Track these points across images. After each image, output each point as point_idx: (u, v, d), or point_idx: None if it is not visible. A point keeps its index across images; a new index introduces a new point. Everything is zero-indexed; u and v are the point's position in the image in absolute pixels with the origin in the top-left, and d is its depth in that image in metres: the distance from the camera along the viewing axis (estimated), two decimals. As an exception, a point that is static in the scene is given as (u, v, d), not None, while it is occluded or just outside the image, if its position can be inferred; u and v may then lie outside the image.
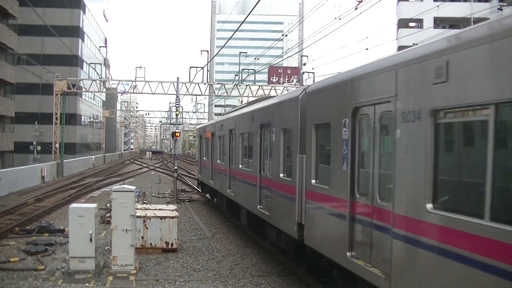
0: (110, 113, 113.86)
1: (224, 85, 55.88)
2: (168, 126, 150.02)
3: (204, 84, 53.07)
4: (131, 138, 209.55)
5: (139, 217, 15.89)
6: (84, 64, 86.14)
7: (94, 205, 14.33)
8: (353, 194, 9.37)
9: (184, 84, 50.21)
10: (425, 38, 7.18)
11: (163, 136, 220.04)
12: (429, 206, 6.87)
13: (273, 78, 62.66)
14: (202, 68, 50.31)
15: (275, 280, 13.83)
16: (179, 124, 38.37)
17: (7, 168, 46.22)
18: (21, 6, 59.32)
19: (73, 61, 79.82)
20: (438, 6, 51.14)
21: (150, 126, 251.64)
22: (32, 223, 21.55)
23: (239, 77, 52.78)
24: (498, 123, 5.81)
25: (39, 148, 61.98)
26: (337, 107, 10.19)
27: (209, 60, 47.69)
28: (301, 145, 12.22)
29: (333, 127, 10.29)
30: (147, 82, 52.66)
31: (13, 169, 41.88)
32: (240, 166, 19.45)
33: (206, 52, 50.34)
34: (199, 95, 55.79)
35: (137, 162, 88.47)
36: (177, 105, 37.30)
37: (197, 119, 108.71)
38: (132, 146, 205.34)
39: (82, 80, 64.68)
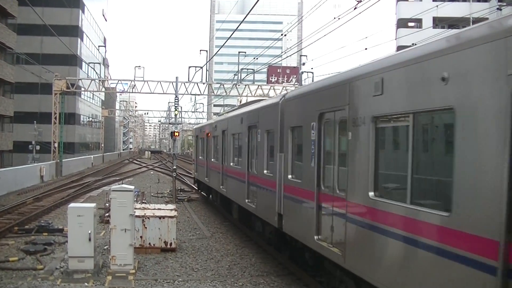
0: (109, 112, 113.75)
1: (223, 85, 55.85)
2: (167, 125, 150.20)
3: (203, 83, 53.05)
4: (130, 138, 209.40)
5: (138, 216, 15.90)
6: (83, 63, 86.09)
7: (93, 204, 14.33)
8: (319, 186, 11.07)
9: (183, 83, 50.23)
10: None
11: (162, 136, 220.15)
12: (371, 194, 8.55)
13: (272, 78, 62.68)
14: (201, 67, 50.34)
15: (274, 279, 13.84)
16: (178, 124, 38.37)
17: (6, 167, 46.18)
18: (20, 5, 59.27)
19: (72, 60, 79.80)
20: (437, 6, 51.18)
21: (149, 125, 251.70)
22: (31, 222, 21.57)
23: (238, 77, 52.74)
24: (415, 128, 7.50)
25: (38, 147, 61.88)
26: (307, 112, 11.87)
27: (208, 60, 47.72)
28: (281, 144, 13.84)
29: (304, 129, 11.97)
30: (146, 82, 52.65)
31: (12, 168, 41.83)
32: (231, 164, 20.96)
33: (205, 51, 50.36)
34: (198, 94, 55.79)
35: (136, 162, 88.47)
36: (176, 105, 37.29)
37: (196, 118, 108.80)
38: (131, 146, 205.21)
39: (81, 79, 64.71)
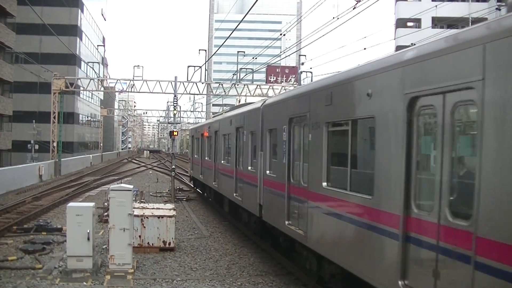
0: (108, 112, 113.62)
1: (222, 84, 55.88)
2: (165, 125, 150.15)
3: (202, 83, 53.02)
4: (128, 137, 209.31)
5: (137, 216, 15.91)
6: (82, 63, 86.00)
7: (91, 204, 14.34)
8: (289, 180, 13.20)
9: (182, 83, 50.21)
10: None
11: (161, 135, 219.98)
12: (324, 184, 10.66)
13: (271, 78, 62.77)
14: (200, 67, 50.31)
15: (272, 279, 13.86)
16: (177, 123, 38.37)
17: (5, 166, 46.16)
18: (19, 4, 59.17)
19: (71, 60, 79.75)
20: (436, 6, 51.11)
21: (148, 125, 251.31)
22: (29, 221, 21.56)
23: (237, 77, 52.72)
24: (352, 132, 9.63)
25: (37, 146, 61.83)
26: (281, 117, 13.96)
27: (207, 59, 47.79)
28: (261, 144, 15.91)
29: (278, 131, 14.19)
30: (145, 81, 52.64)
31: (11, 167, 41.82)
32: (222, 161, 23.06)
33: (204, 51, 50.38)
34: (197, 94, 55.76)
35: (135, 161, 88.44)
36: (175, 104, 37.29)
37: (195, 118, 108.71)
38: (129, 145, 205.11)
39: (80, 79, 64.59)
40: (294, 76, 62.07)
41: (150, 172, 57.70)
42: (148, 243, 16.50)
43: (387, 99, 8.18)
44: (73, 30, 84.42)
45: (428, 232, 7.02)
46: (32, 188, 36.82)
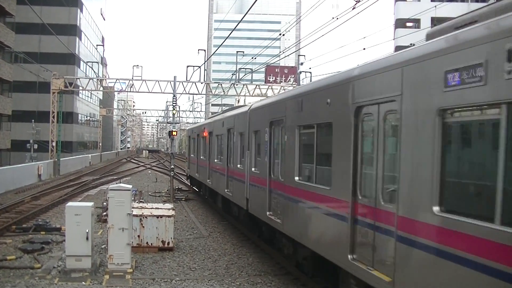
0: (107, 111, 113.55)
1: (221, 84, 55.87)
2: (164, 125, 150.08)
3: (201, 83, 53.04)
4: (128, 137, 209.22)
5: (136, 216, 15.92)
6: (81, 62, 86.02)
7: (90, 203, 14.34)
8: (270, 175, 14.76)
9: (181, 83, 50.18)
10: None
11: (160, 135, 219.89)
12: (296, 178, 12.34)
13: (270, 78, 62.71)
14: (199, 67, 50.31)
15: (271, 279, 13.87)
16: (176, 123, 38.37)
17: (4, 166, 46.13)
18: (18, 4, 59.11)
19: (70, 59, 79.72)
20: (435, 6, 51.20)
21: (147, 125, 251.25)
22: (28, 221, 21.55)
23: (236, 76, 52.72)
24: (317, 135, 11.26)
25: (36, 146, 61.76)
26: (263, 120, 15.64)
27: (206, 59, 47.78)
28: (248, 144, 17.50)
29: (261, 133, 15.82)
30: (144, 81, 52.62)
31: (10, 167, 41.78)
32: (215, 160, 24.55)
33: (203, 51, 50.47)
34: (196, 94, 55.75)
35: (134, 161, 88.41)
36: (174, 104, 37.29)
37: (194, 118, 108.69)
38: (128, 145, 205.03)
39: (79, 78, 64.53)
40: (293, 76, 62.04)
41: (149, 172, 57.71)
42: (147, 243, 16.51)
43: (341, 107, 9.84)
44: (72, 30, 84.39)
45: (368, 215, 8.68)
46: (31, 188, 36.80)
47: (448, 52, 6.69)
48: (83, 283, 12.62)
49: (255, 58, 43.02)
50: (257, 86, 55.03)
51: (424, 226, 6.97)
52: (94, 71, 74.06)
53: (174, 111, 37.36)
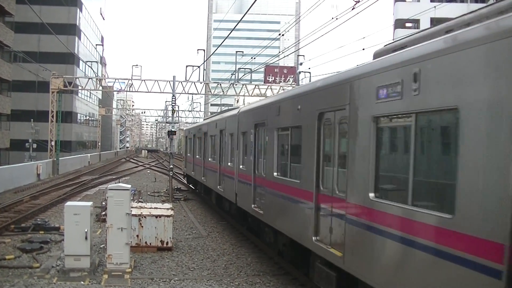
0: (106, 111, 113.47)
1: (220, 84, 55.83)
2: (164, 124, 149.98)
3: (201, 83, 53.00)
4: (127, 137, 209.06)
5: (135, 215, 15.93)
6: (81, 62, 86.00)
7: (89, 203, 14.34)
8: (254, 172, 16.47)
9: (180, 82, 50.12)
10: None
11: (159, 135, 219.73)
12: (275, 173, 14.12)
13: (269, 78, 62.64)
14: (199, 67, 50.25)
15: (270, 279, 13.88)
16: (175, 123, 38.37)
17: (3, 165, 46.09)
18: (18, 3, 59.15)
19: (70, 59, 79.71)
20: (435, 6, 51.21)
21: (146, 124, 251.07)
22: (27, 220, 21.55)
23: (235, 76, 52.70)
24: (291, 136, 13.04)
25: (35, 145, 61.73)
26: (249, 122, 17.46)
27: (205, 59, 47.75)
28: (237, 144, 19.34)
29: (248, 133, 17.63)
30: (143, 81, 52.56)
31: (9, 166, 41.75)
32: (210, 159, 26.38)
33: (203, 51, 50.40)
34: (195, 94, 55.70)
35: (133, 161, 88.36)
36: (173, 104, 37.28)
37: (193, 118, 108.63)
38: (127, 145, 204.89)
39: (78, 78, 64.44)
40: (292, 76, 62.02)
41: (148, 171, 57.74)
42: (146, 242, 16.52)
43: (308, 113, 11.51)
44: (72, 29, 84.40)
45: (327, 203, 10.38)
46: (30, 187, 36.79)
47: (379, 72, 8.41)
48: (82, 282, 12.62)
49: (254, 58, 43.02)
50: (256, 86, 54.98)
51: (364, 209, 8.63)
52: (93, 71, 74.11)
53: (174, 111, 37.34)
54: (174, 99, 37.26)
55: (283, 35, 36.10)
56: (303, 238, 11.67)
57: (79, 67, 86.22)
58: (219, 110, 66.13)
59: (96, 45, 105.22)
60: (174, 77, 38.98)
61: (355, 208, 8.97)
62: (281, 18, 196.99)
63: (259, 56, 40.91)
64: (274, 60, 54.07)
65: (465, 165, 6.25)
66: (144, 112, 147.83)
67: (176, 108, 39.56)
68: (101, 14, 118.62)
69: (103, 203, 21.67)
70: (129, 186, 14.82)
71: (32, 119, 65.41)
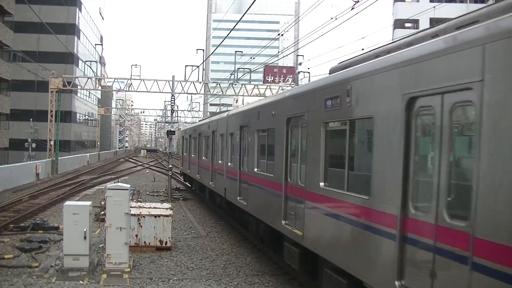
0: (105, 111, 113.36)
1: (219, 84, 55.84)
2: (163, 124, 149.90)
3: (200, 82, 53.03)
4: (126, 136, 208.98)
5: (134, 215, 15.93)
6: (80, 61, 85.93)
7: (88, 202, 14.34)
8: (240, 168, 18.27)
9: (179, 82, 50.13)
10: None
11: (158, 135, 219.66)
12: (256, 169, 16.00)
13: (268, 78, 62.68)
14: (198, 67, 50.24)
15: (269, 279, 13.89)
16: (174, 123, 38.37)
17: (2, 165, 46.04)
18: (17, 3, 59.15)
19: (69, 58, 79.67)
20: (434, 7, 51.16)
21: (145, 124, 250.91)
22: (26, 220, 21.55)
23: (234, 76, 52.71)
24: (268, 137, 14.91)
25: (34, 145, 61.72)
26: (236, 125, 19.36)
27: (204, 59, 47.71)
28: (226, 144, 21.28)
29: (235, 134, 19.48)
30: (142, 80, 52.57)
31: (8, 166, 41.72)
32: (203, 158, 28.32)
33: (202, 51, 50.32)
34: (195, 93, 55.71)
35: (132, 160, 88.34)
36: (172, 104, 37.28)
37: (192, 117, 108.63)
38: (127, 144, 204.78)
39: (77, 77, 64.49)
40: (291, 76, 62.05)
41: (147, 171, 57.73)
42: (145, 242, 16.52)
43: (279, 118, 13.51)
44: (71, 29, 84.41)
45: (293, 192, 12.37)
46: (29, 187, 36.78)
47: (326, 87, 10.53)
48: (81, 282, 12.62)
49: (253, 58, 43.01)
50: (256, 86, 55.01)
51: (317, 195, 10.60)
52: (92, 70, 73.91)
53: (173, 110, 37.35)
54: (173, 99, 37.26)
55: (282, 35, 36.18)
56: (276, 223, 13.56)
57: (78, 66, 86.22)
58: (218, 110, 66.08)
59: (95, 44, 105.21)
60: (173, 76, 38.99)
61: (311, 195, 10.98)
62: (280, 18, 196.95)
63: (258, 56, 40.91)
64: (273, 60, 54.00)
65: (376, 161, 8.28)
66: (143, 112, 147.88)
67: (175, 108, 39.43)
68: (100, 13, 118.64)
69: (102, 202, 21.68)
70: (128, 185, 14.83)
71: (31, 119, 65.40)
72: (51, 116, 54.00)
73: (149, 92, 53.08)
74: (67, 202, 15.33)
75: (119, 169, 61.43)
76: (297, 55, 56.13)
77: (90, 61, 79.03)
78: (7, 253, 15.48)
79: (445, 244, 6.45)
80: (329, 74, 11.76)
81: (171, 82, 39.77)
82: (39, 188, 35.33)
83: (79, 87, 62.09)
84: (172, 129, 33.95)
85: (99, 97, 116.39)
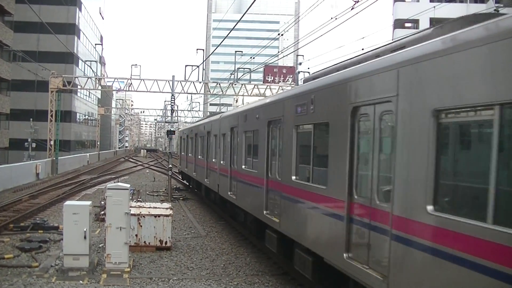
0: (105, 110, 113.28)
1: (219, 84, 55.83)
2: (163, 124, 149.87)
3: (200, 82, 53.02)
4: (126, 136, 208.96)
5: (133, 215, 15.93)
6: (80, 61, 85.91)
7: (88, 202, 14.34)
8: (231, 166, 19.65)
9: (179, 82, 50.14)
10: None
11: (158, 134, 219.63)
12: (243, 166, 17.57)
13: (268, 78, 62.66)
14: (198, 66, 50.24)
15: (268, 279, 13.89)
16: (174, 123, 38.37)
17: (2, 164, 46.02)
18: (17, 3, 59.11)
19: (69, 58, 79.63)
20: (434, 7, 51.15)
21: (145, 124, 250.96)
22: (26, 220, 21.55)
23: (234, 76, 52.70)
24: (253, 137, 16.48)
25: (34, 145, 61.70)
26: (228, 126, 20.93)
27: (204, 59, 47.71)
28: (219, 143, 22.88)
29: (227, 135, 20.89)
30: (142, 80, 52.58)
31: (8, 165, 41.67)
32: (199, 156, 29.75)
33: (202, 50, 50.32)
34: (194, 93, 55.71)
35: (132, 160, 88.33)
36: (172, 104, 37.29)
37: (192, 117, 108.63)
38: (126, 144, 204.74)
39: (77, 77, 64.47)
40: (291, 76, 62.04)
41: (147, 171, 57.73)
42: (145, 242, 16.53)
43: (261, 121, 15.22)
44: (71, 29, 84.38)
45: (271, 185, 14.18)
46: (29, 186, 36.78)
47: (297, 96, 12.30)
48: (81, 282, 12.63)
49: (253, 58, 42.99)
50: (256, 86, 55.01)
51: (289, 187, 12.34)
52: (92, 70, 73.94)
53: (173, 110, 37.36)
54: (173, 99, 37.27)
55: (282, 35, 36.16)
56: (259, 214, 15.12)
57: (78, 66, 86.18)
58: (218, 110, 66.07)
59: (95, 44, 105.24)
60: (173, 76, 39.02)
61: (285, 187, 12.70)
62: (280, 18, 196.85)
63: (258, 56, 40.88)
64: (273, 60, 53.95)
65: (331, 158, 10.00)
66: (143, 112, 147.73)
67: (175, 108, 39.42)
68: (100, 13, 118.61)
69: (102, 202, 21.69)
70: (128, 185, 14.82)
71: (31, 119, 65.35)
72: (51, 116, 53.99)
73: (149, 92, 53.10)
74: (67, 202, 15.32)
75: (119, 169, 61.43)
76: (297, 55, 56.13)
77: (90, 60, 79.20)
78: (7, 253, 15.49)
79: (375, 221, 8.27)
80: (303, 83, 13.75)
81: (171, 82, 39.81)
82: (39, 188, 35.33)
83: (79, 87, 62.12)
84: (172, 129, 33.96)
85: (99, 97, 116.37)
